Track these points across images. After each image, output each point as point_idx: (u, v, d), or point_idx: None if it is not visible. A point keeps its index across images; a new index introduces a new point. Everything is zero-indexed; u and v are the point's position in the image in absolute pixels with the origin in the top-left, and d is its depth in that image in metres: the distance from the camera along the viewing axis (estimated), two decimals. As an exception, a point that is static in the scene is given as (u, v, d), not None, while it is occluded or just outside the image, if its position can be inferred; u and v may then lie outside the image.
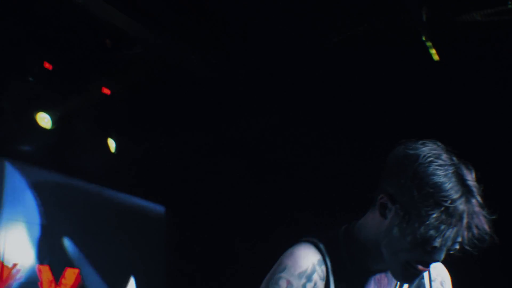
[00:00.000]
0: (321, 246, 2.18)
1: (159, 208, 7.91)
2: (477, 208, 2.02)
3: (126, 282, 7.25)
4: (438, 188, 1.99)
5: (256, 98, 6.62)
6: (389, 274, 2.25)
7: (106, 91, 6.53)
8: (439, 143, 2.13)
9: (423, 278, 2.32)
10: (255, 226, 7.40)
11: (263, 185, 7.40)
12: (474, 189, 2.03)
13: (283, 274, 2.13)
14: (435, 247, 2.02)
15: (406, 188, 2.04)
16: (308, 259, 2.15)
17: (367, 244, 2.18)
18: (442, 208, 1.99)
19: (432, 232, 1.98)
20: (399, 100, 6.52)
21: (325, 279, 2.15)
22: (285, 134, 6.86)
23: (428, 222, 1.98)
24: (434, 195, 1.99)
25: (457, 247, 2.04)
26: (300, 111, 6.73)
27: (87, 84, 6.45)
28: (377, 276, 2.24)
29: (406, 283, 2.21)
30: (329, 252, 2.17)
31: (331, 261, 2.17)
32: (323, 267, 2.16)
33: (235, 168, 7.31)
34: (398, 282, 2.27)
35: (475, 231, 2.00)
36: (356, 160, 6.70)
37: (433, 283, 2.35)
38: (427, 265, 2.09)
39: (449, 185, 2.00)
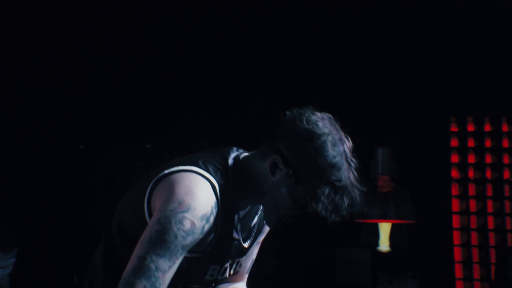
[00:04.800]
0: (216, 186, 2.24)
1: None
2: (354, 182, 2.26)
3: None
4: (331, 168, 2.21)
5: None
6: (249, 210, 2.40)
7: None
8: (328, 115, 2.32)
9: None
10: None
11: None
12: (353, 165, 2.27)
13: (187, 215, 2.16)
14: (316, 210, 2.23)
15: (301, 158, 2.23)
16: (208, 201, 2.21)
17: (249, 188, 2.30)
18: (333, 186, 2.21)
19: (320, 204, 2.19)
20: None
21: (214, 222, 2.24)
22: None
23: (318, 196, 2.20)
24: (327, 173, 2.21)
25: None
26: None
27: None
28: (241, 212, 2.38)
29: (271, 228, 2.41)
30: (221, 193, 2.25)
31: (222, 204, 2.25)
32: (216, 210, 2.24)
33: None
34: (256, 218, 2.45)
35: (349, 202, 2.24)
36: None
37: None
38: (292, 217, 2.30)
39: (340, 164, 2.22)
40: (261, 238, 2.56)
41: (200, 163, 2.27)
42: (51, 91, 6.41)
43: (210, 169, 2.27)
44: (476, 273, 6.48)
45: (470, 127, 6.65)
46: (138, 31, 6.36)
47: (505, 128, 6.59)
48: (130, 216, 2.32)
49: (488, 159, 6.60)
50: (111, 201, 5.96)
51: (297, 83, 6.47)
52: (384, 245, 6.42)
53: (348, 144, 2.29)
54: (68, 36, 6.27)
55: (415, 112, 6.43)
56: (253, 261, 2.57)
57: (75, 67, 6.38)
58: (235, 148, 2.40)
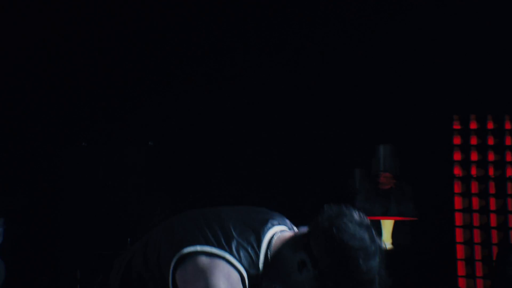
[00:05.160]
0: (246, 277, 2.24)
1: None
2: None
3: None
4: (362, 284, 2.20)
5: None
6: None
7: None
8: (367, 222, 2.27)
9: None
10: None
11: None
12: (383, 275, 2.25)
13: None
14: None
15: (332, 267, 2.20)
16: None
17: (276, 278, 2.29)
18: None
19: None
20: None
21: None
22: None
23: None
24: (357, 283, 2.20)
25: None
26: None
27: None
28: None
29: None
30: (249, 282, 2.26)
31: None
32: None
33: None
34: None
35: None
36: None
37: None
38: None
39: (371, 280, 2.21)
40: None
41: (234, 248, 2.26)
42: (54, 89, 6.43)
43: (242, 257, 2.26)
44: (479, 270, 6.47)
45: (473, 125, 6.63)
46: (141, 29, 6.38)
47: (508, 126, 6.58)
48: (150, 273, 2.32)
49: (491, 157, 6.59)
50: (114, 197, 6.02)
51: (301, 80, 6.48)
52: (386, 242, 6.41)
53: (381, 254, 2.26)
54: (71, 34, 6.30)
55: (418, 110, 6.43)
56: None
57: (77, 64, 6.40)
58: (269, 224, 2.37)
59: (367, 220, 2.28)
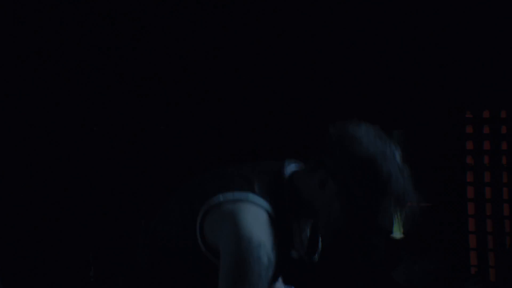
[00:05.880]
0: (272, 214, 2.24)
1: None
2: (411, 190, 2.29)
3: None
4: (387, 183, 2.23)
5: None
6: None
7: None
8: (374, 127, 2.34)
9: None
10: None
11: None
12: (406, 173, 2.29)
13: (261, 251, 2.16)
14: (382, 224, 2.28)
15: (353, 177, 2.23)
16: (270, 234, 2.21)
17: (303, 207, 2.31)
18: (393, 198, 2.24)
19: (386, 218, 2.25)
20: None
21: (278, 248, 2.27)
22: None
23: (382, 209, 2.22)
24: (384, 188, 2.23)
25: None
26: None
27: None
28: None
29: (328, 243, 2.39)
30: (278, 219, 2.26)
31: (281, 230, 2.27)
32: (275, 239, 2.26)
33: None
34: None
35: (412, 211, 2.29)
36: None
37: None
38: None
39: (395, 177, 2.23)
40: None
41: (257, 188, 2.27)
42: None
43: (268, 196, 2.27)
44: (492, 260, 6.42)
45: (486, 114, 6.60)
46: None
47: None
48: (175, 240, 2.33)
49: (505, 146, 6.55)
50: (125, 179, 6.01)
51: (314, 69, 6.49)
52: (397, 232, 6.38)
53: (398, 153, 2.32)
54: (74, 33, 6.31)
55: (430, 99, 6.42)
56: None
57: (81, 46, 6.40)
58: (286, 162, 2.39)
59: (377, 129, 2.32)
